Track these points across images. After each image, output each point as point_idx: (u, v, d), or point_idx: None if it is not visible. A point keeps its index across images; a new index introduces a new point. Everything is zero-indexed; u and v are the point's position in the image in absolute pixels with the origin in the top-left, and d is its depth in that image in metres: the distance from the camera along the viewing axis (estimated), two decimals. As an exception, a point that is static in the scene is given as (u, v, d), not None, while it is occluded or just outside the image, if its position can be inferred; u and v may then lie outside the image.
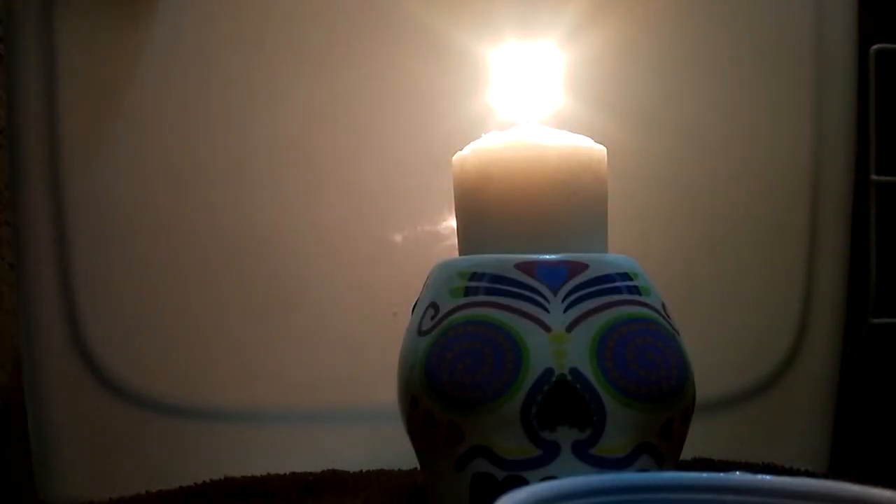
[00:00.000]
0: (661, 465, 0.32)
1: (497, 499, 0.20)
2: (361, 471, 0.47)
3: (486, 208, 0.35)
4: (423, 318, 0.34)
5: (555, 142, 0.35)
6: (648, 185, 0.53)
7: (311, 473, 0.46)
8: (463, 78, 0.52)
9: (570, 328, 0.32)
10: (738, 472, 0.23)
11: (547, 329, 0.32)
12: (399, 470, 0.47)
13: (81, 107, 0.51)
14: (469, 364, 0.31)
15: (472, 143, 0.37)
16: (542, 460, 0.31)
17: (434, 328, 0.33)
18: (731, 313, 0.54)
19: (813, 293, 0.54)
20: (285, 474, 0.46)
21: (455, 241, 0.38)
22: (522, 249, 0.34)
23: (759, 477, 0.23)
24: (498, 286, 0.33)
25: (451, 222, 0.51)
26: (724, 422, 0.53)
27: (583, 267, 0.33)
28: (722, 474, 0.23)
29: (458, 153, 0.37)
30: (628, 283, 0.34)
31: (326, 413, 0.51)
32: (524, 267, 0.33)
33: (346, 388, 0.51)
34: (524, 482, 0.30)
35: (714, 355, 0.52)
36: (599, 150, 0.36)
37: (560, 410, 0.31)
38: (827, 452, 0.55)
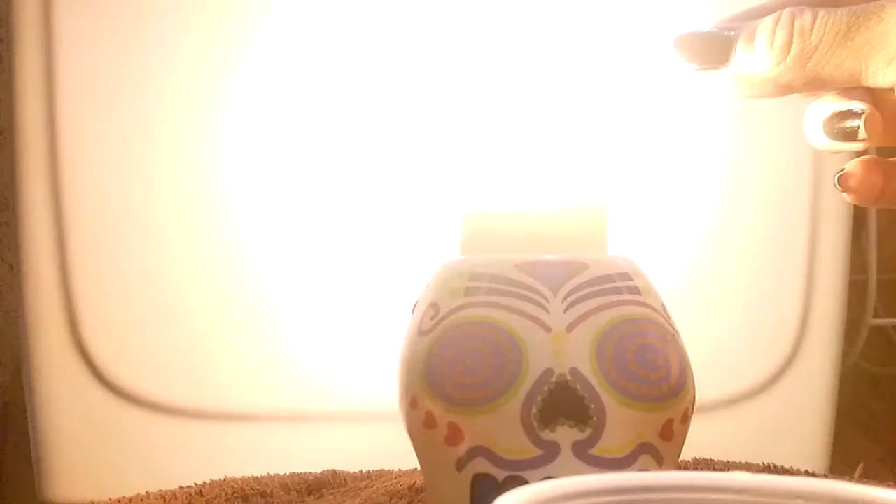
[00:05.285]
0: (661, 465, 0.32)
1: (497, 499, 0.20)
2: (361, 471, 0.47)
3: (486, 208, 0.35)
4: (423, 318, 0.34)
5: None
6: (648, 185, 0.53)
7: (311, 473, 0.46)
8: (464, 78, 0.52)
9: (570, 328, 0.32)
10: (737, 472, 0.23)
11: (547, 329, 0.32)
12: (399, 470, 0.47)
13: (81, 107, 0.51)
14: (469, 364, 0.31)
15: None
16: (542, 460, 0.31)
17: (434, 328, 0.33)
18: (731, 313, 0.54)
19: (813, 293, 0.54)
20: (285, 474, 0.46)
21: (455, 241, 0.38)
22: (522, 250, 0.34)
23: (759, 477, 0.23)
24: (498, 286, 0.33)
25: (452, 222, 0.51)
26: (724, 422, 0.53)
27: (583, 267, 0.33)
28: (722, 474, 0.23)
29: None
30: (628, 283, 0.33)
31: (326, 413, 0.51)
32: (524, 267, 0.33)
33: (347, 388, 0.51)
34: (524, 482, 0.30)
35: (714, 355, 0.52)
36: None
37: (560, 410, 0.31)
38: (827, 452, 0.55)
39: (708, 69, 0.31)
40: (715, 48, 0.31)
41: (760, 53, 0.29)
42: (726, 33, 0.31)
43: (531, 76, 0.40)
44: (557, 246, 0.34)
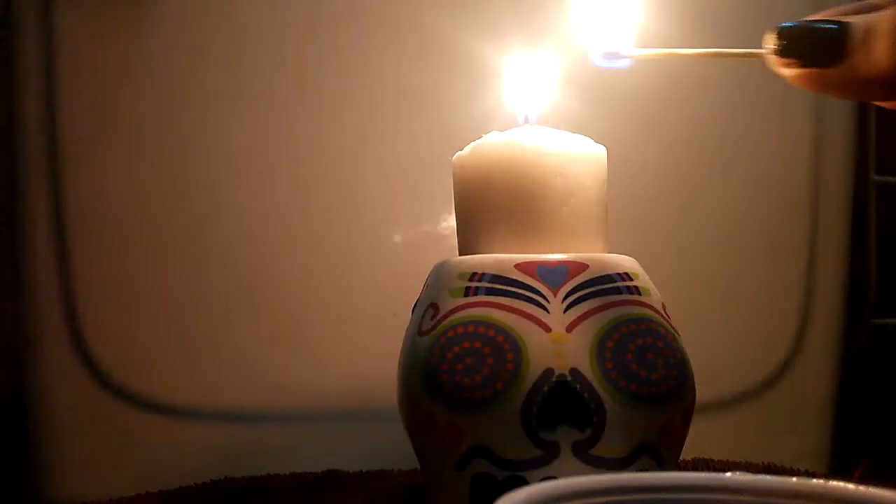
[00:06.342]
0: (661, 465, 0.32)
1: (497, 499, 0.20)
2: (361, 471, 0.47)
3: (486, 208, 0.35)
4: (423, 318, 0.34)
5: (554, 142, 0.35)
6: (648, 185, 0.53)
7: (310, 473, 0.46)
8: (464, 79, 0.52)
9: (570, 328, 0.32)
10: (737, 472, 0.23)
11: (547, 329, 0.32)
12: (399, 470, 0.47)
13: (81, 107, 0.51)
14: (469, 364, 0.31)
15: (472, 143, 0.37)
16: (542, 460, 0.31)
17: (434, 328, 0.33)
18: (731, 313, 0.54)
19: (813, 293, 0.54)
20: (285, 474, 0.46)
21: (455, 241, 0.38)
22: (522, 249, 0.34)
23: (759, 477, 0.23)
24: (498, 286, 0.33)
25: (451, 222, 0.51)
26: (724, 422, 0.53)
27: (583, 267, 0.33)
28: (722, 474, 0.23)
29: (459, 153, 0.37)
30: (628, 283, 0.34)
31: (326, 413, 0.51)
32: (524, 267, 0.33)
33: (346, 388, 0.51)
34: (524, 482, 0.30)
35: (714, 355, 0.52)
36: (599, 150, 0.36)
37: (560, 411, 0.31)
38: (827, 452, 0.55)
39: (815, 67, 0.27)
40: (827, 44, 0.27)
41: (880, 52, 0.25)
42: (837, 28, 0.27)
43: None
44: (558, 241, 0.34)
